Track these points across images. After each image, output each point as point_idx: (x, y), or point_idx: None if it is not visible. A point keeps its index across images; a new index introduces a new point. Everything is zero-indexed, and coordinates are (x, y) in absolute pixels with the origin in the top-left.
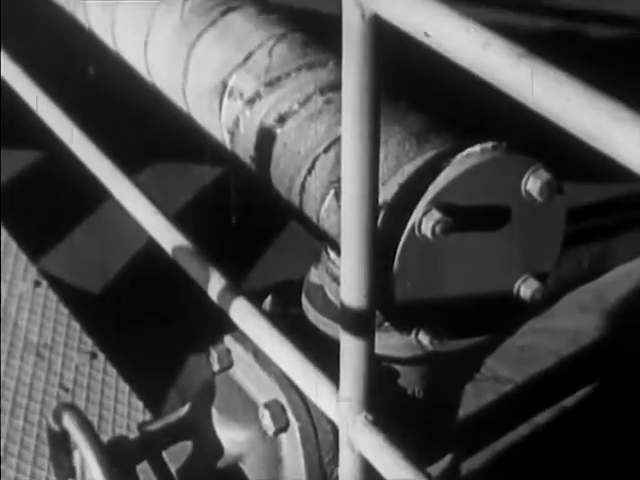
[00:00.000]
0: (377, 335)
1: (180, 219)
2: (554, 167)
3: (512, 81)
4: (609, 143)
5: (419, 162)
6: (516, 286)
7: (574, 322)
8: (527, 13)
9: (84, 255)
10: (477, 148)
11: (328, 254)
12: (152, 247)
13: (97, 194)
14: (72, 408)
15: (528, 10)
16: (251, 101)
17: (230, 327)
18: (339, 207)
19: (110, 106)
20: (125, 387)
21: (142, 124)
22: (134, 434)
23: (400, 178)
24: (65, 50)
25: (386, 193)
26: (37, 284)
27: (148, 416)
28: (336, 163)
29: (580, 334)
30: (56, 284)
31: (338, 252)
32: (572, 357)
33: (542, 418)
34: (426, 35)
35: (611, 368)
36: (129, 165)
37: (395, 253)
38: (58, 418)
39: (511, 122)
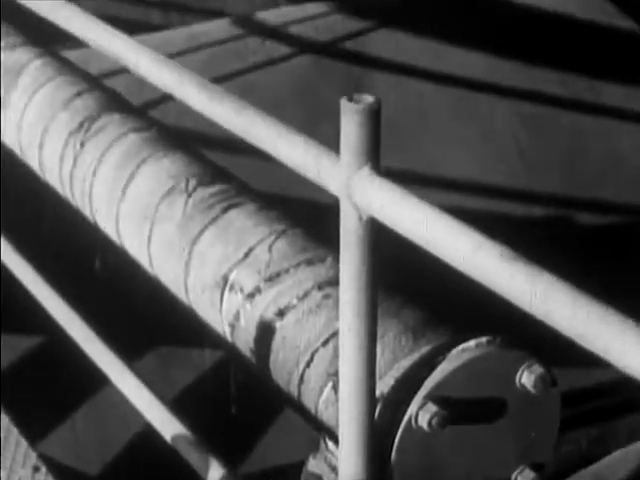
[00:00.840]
0: None
1: (179, 405)
2: (549, 351)
3: (503, 283)
4: (599, 345)
5: (415, 356)
6: (513, 477)
7: None
8: (519, 201)
9: (83, 439)
10: (472, 343)
11: (326, 444)
12: (151, 432)
13: (97, 379)
14: None
15: (520, 198)
16: (251, 295)
17: None
18: (337, 399)
19: (113, 296)
20: None
21: (144, 311)
22: None
23: (397, 372)
24: (70, 242)
25: (383, 386)
26: (36, 469)
27: None
28: (334, 356)
29: None
30: (55, 469)
31: (336, 443)
32: None
33: None
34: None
35: None
36: (129, 350)
37: (392, 445)
38: None
39: (505, 313)
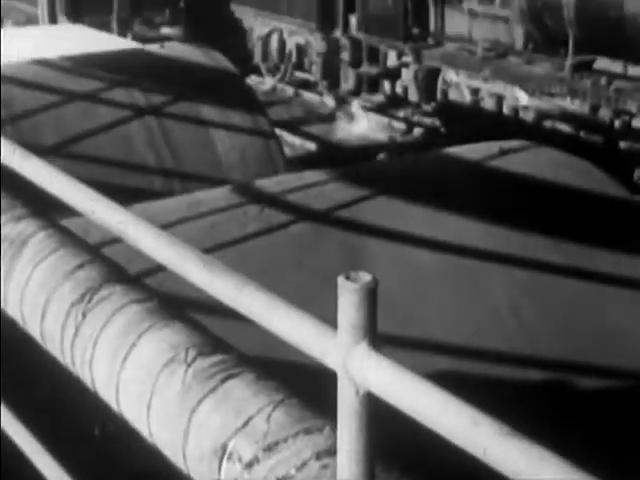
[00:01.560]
0: None
1: None
2: None
3: (501, 458)
4: None
5: None
6: None
7: None
8: (517, 365)
9: None
10: None
11: None
12: None
13: None
14: None
15: (518, 362)
16: (250, 465)
17: None
18: None
19: (112, 463)
20: None
21: (142, 478)
22: None
23: None
24: (70, 409)
25: None
26: None
27: None
28: None
29: None
30: None
31: None
32: None
33: None
34: None
35: None
36: None
37: None
38: None
39: None
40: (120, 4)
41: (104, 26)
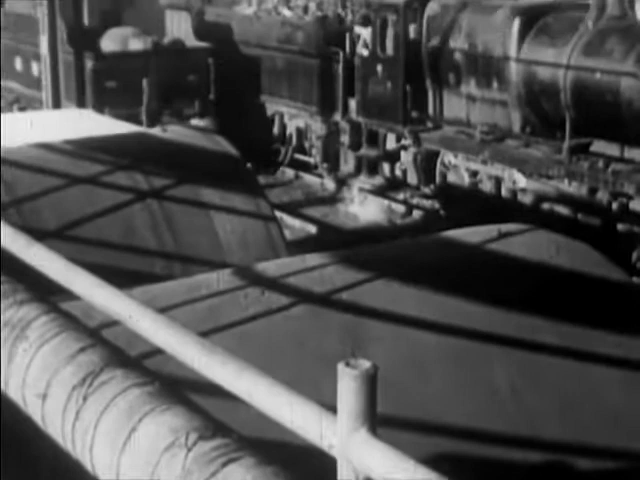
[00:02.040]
0: None
1: None
2: None
3: None
4: None
5: None
6: None
7: None
8: (517, 447)
9: None
10: None
11: None
12: None
13: None
14: None
15: (517, 444)
16: None
17: None
18: None
19: None
20: None
21: None
22: None
23: None
24: None
25: None
26: None
27: None
28: None
29: None
30: None
31: None
32: None
33: None
34: None
35: None
36: None
37: None
38: None
39: None
40: (150, 96)
41: (131, 118)
